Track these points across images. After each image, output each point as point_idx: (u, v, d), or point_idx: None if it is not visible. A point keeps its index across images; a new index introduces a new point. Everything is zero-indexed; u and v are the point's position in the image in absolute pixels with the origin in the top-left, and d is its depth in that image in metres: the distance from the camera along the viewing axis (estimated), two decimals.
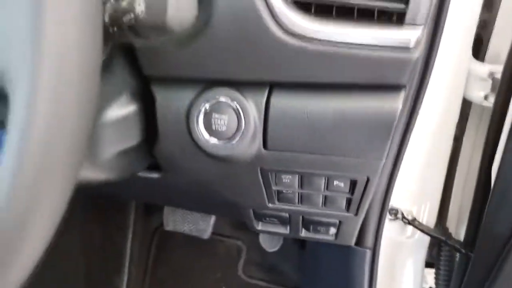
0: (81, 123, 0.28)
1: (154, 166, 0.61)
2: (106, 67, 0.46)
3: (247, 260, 1.18)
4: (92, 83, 0.28)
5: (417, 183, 0.76)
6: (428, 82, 0.50)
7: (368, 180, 0.54)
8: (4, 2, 0.24)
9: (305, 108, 0.48)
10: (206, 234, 1.02)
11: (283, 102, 0.48)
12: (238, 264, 1.17)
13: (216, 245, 1.13)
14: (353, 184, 0.56)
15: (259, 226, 0.73)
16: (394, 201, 0.75)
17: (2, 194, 0.26)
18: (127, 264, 1.11)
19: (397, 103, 0.46)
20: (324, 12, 0.45)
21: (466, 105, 0.72)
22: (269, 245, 1.08)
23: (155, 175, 0.62)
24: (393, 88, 0.46)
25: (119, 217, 1.11)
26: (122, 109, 0.49)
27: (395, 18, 0.44)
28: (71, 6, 0.24)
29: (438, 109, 0.65)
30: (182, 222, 1.03)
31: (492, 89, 0.65)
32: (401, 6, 0.43)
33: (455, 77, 0.64)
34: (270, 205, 0.64)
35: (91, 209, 1.11)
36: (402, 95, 0.46)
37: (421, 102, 0.51)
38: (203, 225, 1.01)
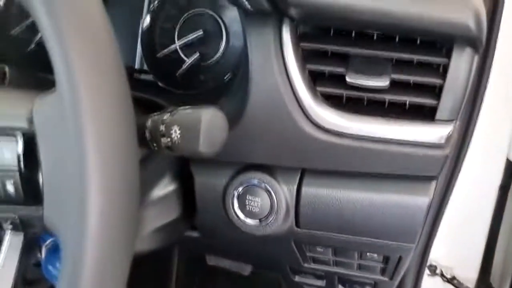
0: (129, 251, 0.31)
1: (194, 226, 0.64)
2: (150, 155, 0.50)
3: None
4: (135, 219, 0.31)
5: (458, 238, 0.75)
6: (460, 171, 0.49)
7: (401, 257, 0.54)
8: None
9: (336, 193, 0.49)
10: (247, 271, 1.04)
11: (314, 187, 0.49)
12: None
13: (256, 280, 1.15)
14: (387, 258, 0.56)
15: (296, 278, 0.75)
16: (433, 255, 0.74)
17: None
18: None
19: (428, 194, 0.46)
20: (354, 104, 0.46)
21: None
22: None
23: (195, 234, 0.65)
24: (424, 178, 0.46)
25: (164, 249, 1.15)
26: (164, 189, 0.52)
27: (426, 112, 0.44)
28: (117, 176, 0.27)
29: (480, 158, 0.64)
30: (223, 258, 1.06)
31: None
32: (433, 101, 0.44)
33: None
34: (305, 265, 0.65)
35: None
36: (433, 185, 0.46)
37: (453, 187, 0.51)
38: (243, 263, 1.03)
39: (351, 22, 0.43)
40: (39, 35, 0.64)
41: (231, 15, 0.57)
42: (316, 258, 0.63)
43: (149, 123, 0.38)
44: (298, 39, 0.45)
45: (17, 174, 0.28)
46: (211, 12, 0.57)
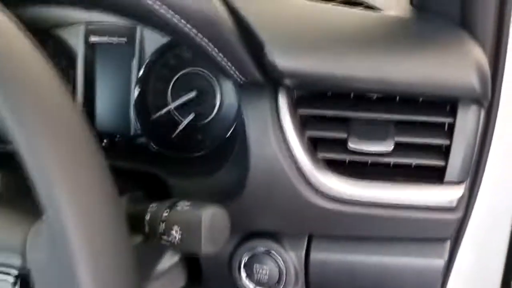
0: None
1: None
2: None
3: None
4: None
5: (474, 268, 0.73)
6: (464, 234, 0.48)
7: None
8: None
9: (346, 258, 0.47)
10: None
11: (323, 252, 0.48)
12: None
13: None
14: None
15: None
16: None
17: None
18: None
19: (442, 255, 0.45)
20: (357, 168, 0.44)
21: None
22: None
23: None
24: (437, 240, 0.44)
25: None
26: (168, 261, 0.50)
27: (434, 173, 0.43)
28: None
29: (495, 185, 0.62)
30: None
31: None
32: (440, 162, 0.42)
33: None
34: None
35: None
36: (447, 246, 0.45)
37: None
38: None
39: (349, 89, 0.42)
40: None
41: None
42: None
43: (148, 217, 0.37)
44: (295, 105, 0.43)
45: None
46: (202, 70, 0.56)
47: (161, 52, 0.57)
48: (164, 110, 0.58)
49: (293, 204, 0.44)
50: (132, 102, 0.59)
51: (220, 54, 0.39)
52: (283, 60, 0.39)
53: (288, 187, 0.43)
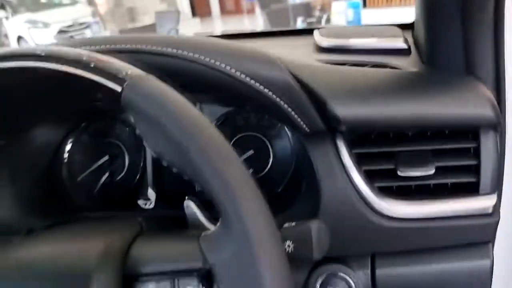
0: None
1: None
2: None
3: None
4: None
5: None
6: None
7: None
8: None
9: (406, 270, 0.56)
10: None
11: (386, 267, 0.56)
12: None
13: None
14: None
15: None
16: None
17: None
18: None
19: (488, 256, 0.54)
20: (406, 191, 0.54)
21: None
22: None
23: None
24: (482, 243, 0.54)
25: None
26: None
27: (470, 186, 0.53)
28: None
29: None
30: None
31: None
32: (473, 179, 0.53)
33: None
34: None
35: None
36: (490, 247, 0.54)
37: None
38: None
39: (391, 127, 0.53)
40: (103, 178, 0.72)
41: (274, 134, 0.67)
42: None
43: None
44: (350, 146, 0.54)
45: None
46: (257, 134, 0.67)
47: (221, 121, 0.69)
48: None
49: (358, 226, 0.54)
50: None
51: (293, 112, 0.51)
52: (341, 110, 0.51)
53: (354, 212, 0.53)
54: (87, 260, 0.37)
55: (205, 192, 0.35)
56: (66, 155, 0.72)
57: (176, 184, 0.68)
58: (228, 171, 0.34)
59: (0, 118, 0.59)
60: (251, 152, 0.67)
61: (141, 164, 0.72)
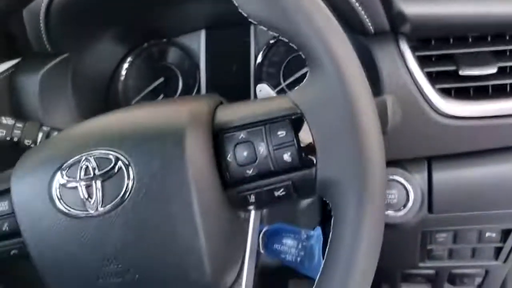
0: None
1: None
2: None
3: None
4: None
5: None
6: None
7: None
8: None
9: (465, 173, 0.57)
10: None
11: (444, 171, 0.58)
12: None
13: None
14: (505, 233, 0.63)
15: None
16: None
17: None
18: None
19: None
20: (466, 93, 0.56)
21: None
22: None
23: None
24: None
25: None
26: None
27: None
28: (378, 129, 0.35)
29: None
30: None
31: None
32: None
33: None
34: (420, 264, 0.71)
35: None
36: None
37: None
38: None
39: (454, 27, 0.55)
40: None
41: None
42: (432, 253, 0.69)
43: None
44: (412, 48, 0.55)
45: (293, 147, 0.36)
46: None
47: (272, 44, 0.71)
48: (277, 88, 0.70)
49: (419, 126, 0.55)
50: (252, 91, 0.71)
51: (361, 7, 0.53)
52: (407, 7, 0.52)
53: (416, 110, 0.54)
54: (178, 118, 0.38)
55: (296, 44, 0.36)
56: (123, 76, 0.75)
57: None
58: (318, 17, 0.35)
59: (71, 25, 0.62)
60: (305, 70, 0.69)
61: (195, 88, 0.75)
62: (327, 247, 0.36)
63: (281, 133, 0.36)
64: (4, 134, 0.55)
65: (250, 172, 0.37)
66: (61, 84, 0.65)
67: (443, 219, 0.61)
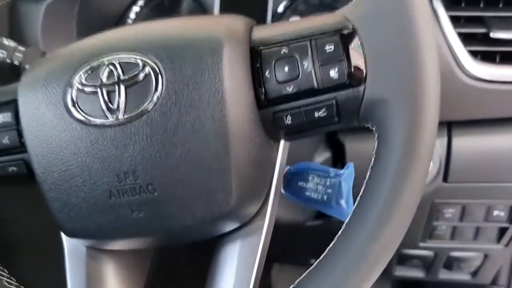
0: None
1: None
2: None
3: None
4: None
5: None
6: None
7: None
8: None
9: (485, 141, 0.56)
10: None
11: (464, 136, 0.56)
12: None
13: None
14: None
15: (397, 271, 0.78)
16: None
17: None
18: None
19: None
20: (494, 58, 0.54)
21: None
22: None
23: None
24: None
25: None
26: (321, 156, 0.57)
27: None
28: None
29: None
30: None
31: None
32: None
33: None
34: (421, 244, 0.69)
35: None
36: None
37: None
38: None
39: None
40: None
41: None
42: (434, 232, 0.67)
43: None
44: (445, 8, 0.54)
45: (342, 62, 0.32)
46: None
47: None
48: None
49: (446, 86, 0.53)
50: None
51: None
52: None
53: (446, 71, 0.53)
54: (214, 30, 0.35)
55: None
56: (131, 20, 0.71)
57: None
58: None
59: None
60: None
61: None
62: (365, 182, 0.32)
63: (329, 48, 0.33)
64: (6, 55, 0.50)
65: (289, 89, 0.33)
66: (66, 18, 0.62)
67: (456, 189, 0.59)
